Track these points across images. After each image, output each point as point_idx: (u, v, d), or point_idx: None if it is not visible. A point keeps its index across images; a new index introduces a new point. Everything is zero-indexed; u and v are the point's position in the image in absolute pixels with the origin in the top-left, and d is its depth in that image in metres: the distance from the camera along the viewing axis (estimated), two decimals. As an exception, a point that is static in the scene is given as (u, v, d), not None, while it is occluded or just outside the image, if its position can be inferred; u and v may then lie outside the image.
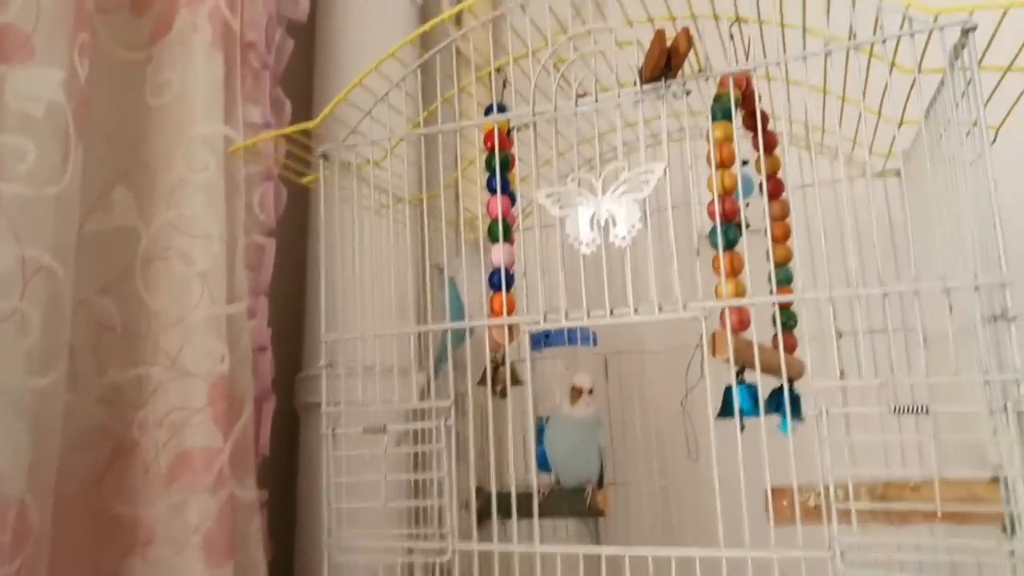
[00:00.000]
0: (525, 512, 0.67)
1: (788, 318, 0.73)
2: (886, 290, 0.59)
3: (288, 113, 1.00)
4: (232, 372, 0.82)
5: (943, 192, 0.63)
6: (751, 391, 0.68)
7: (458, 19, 0.76)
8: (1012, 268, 0.55)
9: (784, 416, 0.69)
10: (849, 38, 0.61)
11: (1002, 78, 0.61)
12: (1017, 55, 0.59)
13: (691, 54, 0.65)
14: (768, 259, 0.77)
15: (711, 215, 0.68)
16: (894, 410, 0.57)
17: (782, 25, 0.64)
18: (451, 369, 0.72)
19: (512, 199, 0.76)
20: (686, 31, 0.62)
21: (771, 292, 0.76)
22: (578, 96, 0.68)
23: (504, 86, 0.78)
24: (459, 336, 0.74)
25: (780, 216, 0.78)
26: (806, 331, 0.62)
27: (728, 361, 0.66)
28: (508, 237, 0.74)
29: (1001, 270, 0.55)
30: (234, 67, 0.88)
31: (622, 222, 0.64)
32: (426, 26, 0.74)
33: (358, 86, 0.74)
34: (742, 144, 0.70)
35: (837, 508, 0.59)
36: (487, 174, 0.77)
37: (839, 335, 0.60)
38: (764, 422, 0.63)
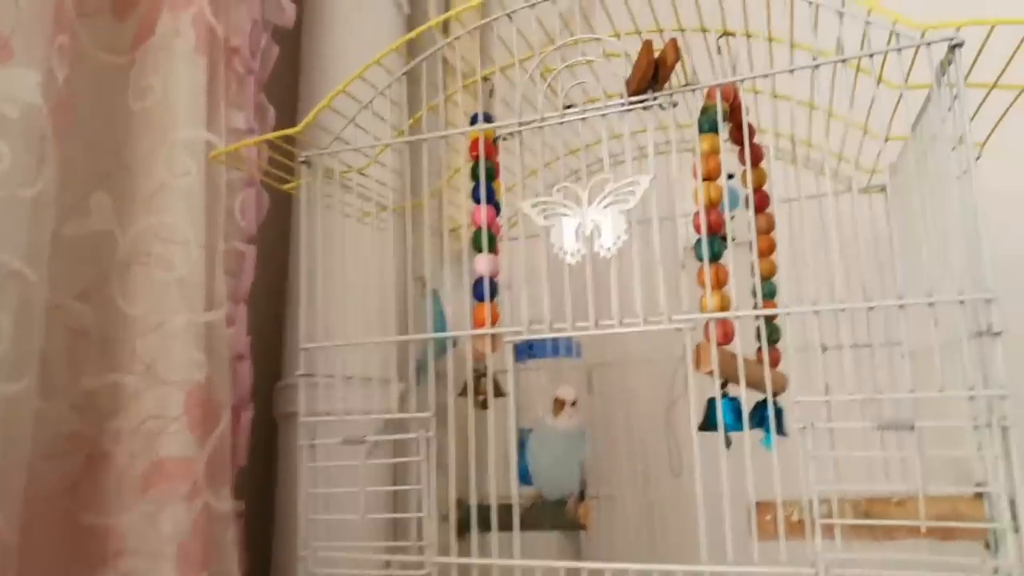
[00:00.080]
0: (506, 525, 0.67)
1: (772, 332, 0.73)
2: (871, 304, 0.58)
3: (272, 119, 0.99)
4: (209, 380, 0.81)
5: (929, 207, 0.63)
6: (734, 405, 0.68)
7: (445, 27, 0.75)
8: (997, 283, 0.55)
9: (767, 431, 0.69)
10: (836, 52, 0.61)
11: (987, 95, 0.61)
12: (1003, 72, 0.59)
13: (678, 66, 0.65)
14: (753, 273, 0.77)
15: (696, 228, 0.68)
16: (880, 426, 0.57)
17: (770, 39, 0.64)
18: (432, 380, 0.71)
19: (497, 209, 0.76)
20: (674, 42, 0.62)
21: (755, 306, 0.76)
22: (565, 107, 0.68)
23: (491, 95, 0.77)
24: (441, 346, 0.73)
25: (765, 229, 0.77)
26: (791, 345, 0.61)
27: (711, 374, 0.66)
28: (493, 247, 0.74)
29: (986, 285, 0.55)
30: (217, 72, 0.87)
31: (607, 233, 0.63)
32: (412, 33, 0.73)
33: (343, 93, 0.73)
34: (728, 158, 0.70)
35: (821, 523, 0.58)
36: (472, 183, 0.76)
37: (824, 349, 0.60)
38: (748, 436, 0.63)
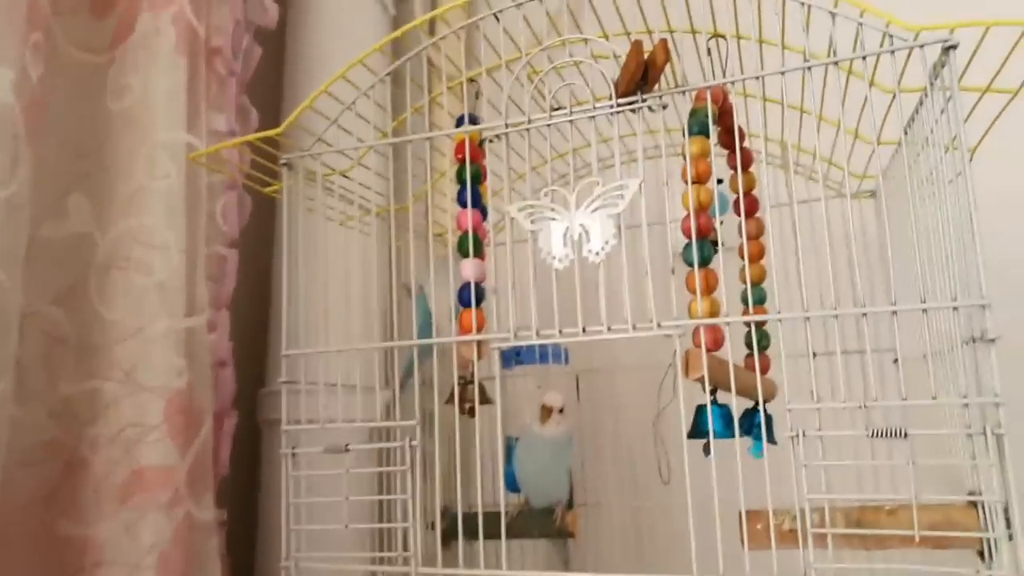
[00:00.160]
0: (493, 533, 0.65)
1: (762, 338, 0.72)
2: (864, 310, 0.58)
3: (255, 121, 0.98)
4: (190, 387, 0.80)
5: (921, 211, 0.62)
6: (724, 412, 0.67)
7: (431, 28, 0.74)
8: (991, 289, 0.54)
9: (757, 439, 0.68)
10: (828, 54, 0.61)
11: (980, 98, 0.61)
12: (996, 75, 0.59)
13: (668, 69, 0.64)
14: (742, 278, 0.76)
15: (686, 232, 0.67)
16: (872, 434, 0.56)
17: (760, 41, 0.63)
18: (417, 387, 0.70)
19: (483, 213, 0.75)
20: (663, 43, 0.61)
21: (747, 311, 0.75)
22: (552, 109, 0.67)
23: (476, 97, 0.76)
24: (427, 351, 0.72)
25: (755, 234, 0.77)
26: (782, 351, 0.60)
27: (701, 381, 0.65)
28: (479, 252, 0.73)
29: (981, 291, 0.54)
30: (198, 73, 0.86)
31: (596, 238, 0.62)
32: (396, 32, 0.72)
33: (327, 95, 0.72)
34: (717, 162, 0.69)
35: (813, 532, 0.57)
36: (458, 187, 0.75)
37: (814, 355, 0.59)
38: (739, 444, 0.62)
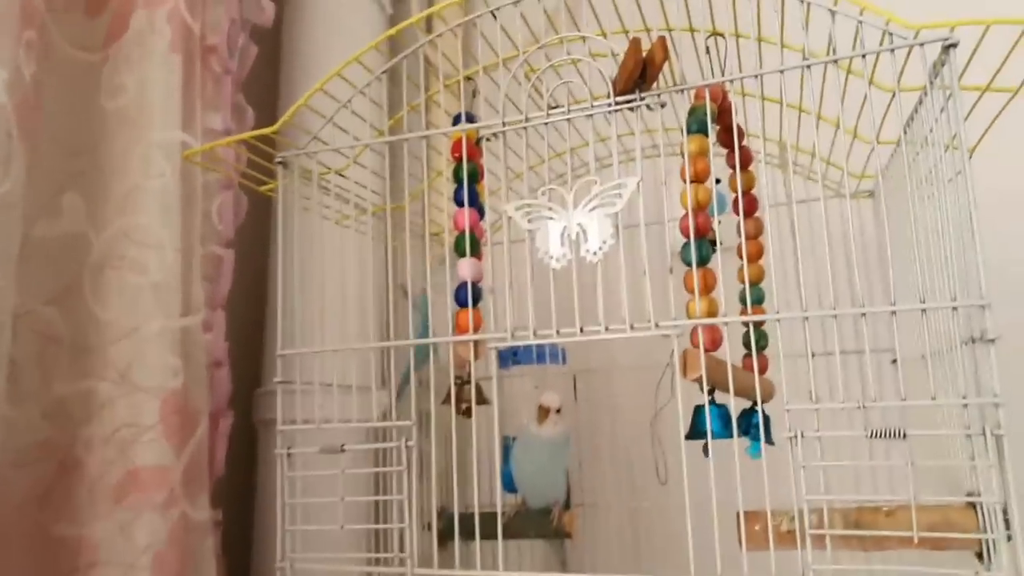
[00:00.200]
0: (490, 534, 0.65)
1: (760, 338, 0.71)
2: (863, 310, 0.57)
3: (251, 120, 0.98)
4: (186, 387, 0.79)
5: (920, 211, 0.62)
6: (722, 412, 0.67)
7: (428, 26, 0.74)
8: (990, 288, 0.54)
9: (755, 439, 0.68)
10: (828, 53, 0.60)
11: (980, 97, 0.60)
12: (996, 74, 0.58)
13: (666, 68, 0.64)
14: (741, 278, 0.76)
15: (684, 231, 0.66)
16: (871, 434, 0.56)
17: (759, 39, 0.63)
18: (414, 387, 0.70)
19: (480, 212, 0.74)
20: (662, 40, 0.61)
21: (744, 311, 0.75)
22: (550, 107, 0.66)
23: (473, 95, 0.76)
24: (423, 357, 0.72)
25: (754, 234, 0.76)
26: (781, 351, 0.60)
27: (699, 381, 0.64)
28: (476, 251, 0.72)
29: (980, 291, 0.54)
30: (193, 71, 0.85)
31: (593, 237, 0.62)
32: (392, 30, 0.72)
33: (323, 93, 0.71)
34: (715, 161, 0.69)
35: (811, 534, 0.57)
36: (454, 186, 0.75)
37: (813, 356, 0.59)
38: (737, 444, 0.62)
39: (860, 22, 0.58)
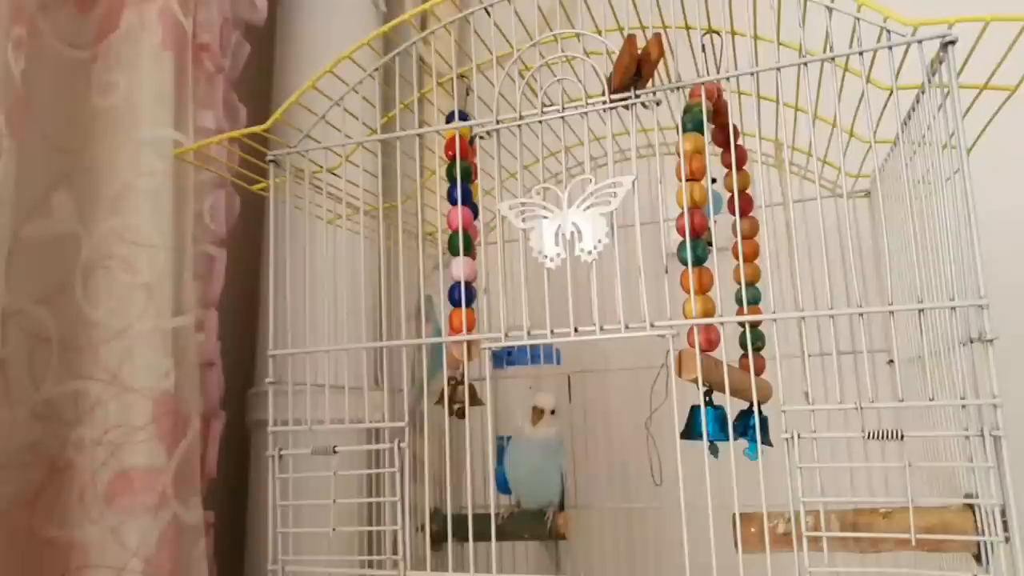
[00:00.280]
0: (483, 535, 0.65)
1: (757, 339, 0.71)
2: (859, 310, 0.57)
3: (244, 119, 0.97)
4: (178, 388, 0.79)
5: (918, 210, 0.61)
6: (718, 413, 0.66)
7: (422, 24, 0.73)
8: (988, 288, 0.53)
9: (752, 440, 0.67)
10: (824, 50, 0.60)
11: (978, 95, 0.60)
12: (994, 72, 0.58)
13: (661, 65, 0.63)
14: (736, 278, 0.75)
15: (680, 230, 0.66)
16: (868, 435, 0.55)
17: (755, 37, 0.63)
18: (406, 388, 0.69)
19: (474, 211, 0.74)
20: (657, 37, 0.61)
21: (741, 311, 0.74)
22: (544, 105, 0.66)
23: (467, 93, 0.75)
24: (437, 361, 0.71)
25: (749, 234, 0.76)
26: (777, 352, 0.60)
27: (695, 382, 0.64)
28: (469, 250, 0.72)
29: (979, 291, 0.53)
30: (185, 69, 0.85)
31: (588, 236, 0.61)
32: (386, 27, 0.71)
33: (315, 91, 0.71)
34: (710, 161, 0.68)
35: (808, 536, 0.57)
36: (448, 184, 0.74)
37: (809, 356, 0.58)
38: (732, 446, 0.61)
39: (857, 19, 0.58)
